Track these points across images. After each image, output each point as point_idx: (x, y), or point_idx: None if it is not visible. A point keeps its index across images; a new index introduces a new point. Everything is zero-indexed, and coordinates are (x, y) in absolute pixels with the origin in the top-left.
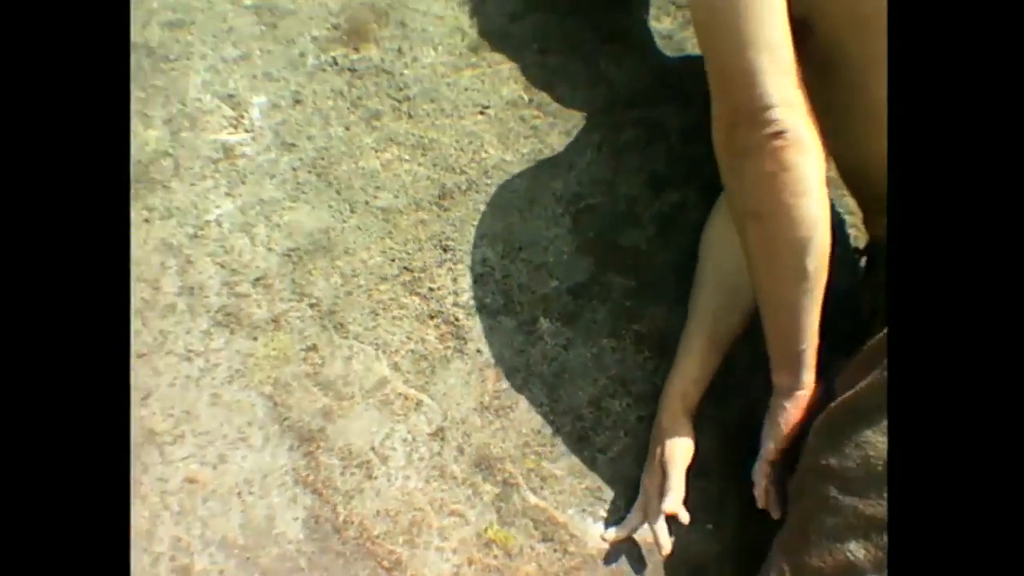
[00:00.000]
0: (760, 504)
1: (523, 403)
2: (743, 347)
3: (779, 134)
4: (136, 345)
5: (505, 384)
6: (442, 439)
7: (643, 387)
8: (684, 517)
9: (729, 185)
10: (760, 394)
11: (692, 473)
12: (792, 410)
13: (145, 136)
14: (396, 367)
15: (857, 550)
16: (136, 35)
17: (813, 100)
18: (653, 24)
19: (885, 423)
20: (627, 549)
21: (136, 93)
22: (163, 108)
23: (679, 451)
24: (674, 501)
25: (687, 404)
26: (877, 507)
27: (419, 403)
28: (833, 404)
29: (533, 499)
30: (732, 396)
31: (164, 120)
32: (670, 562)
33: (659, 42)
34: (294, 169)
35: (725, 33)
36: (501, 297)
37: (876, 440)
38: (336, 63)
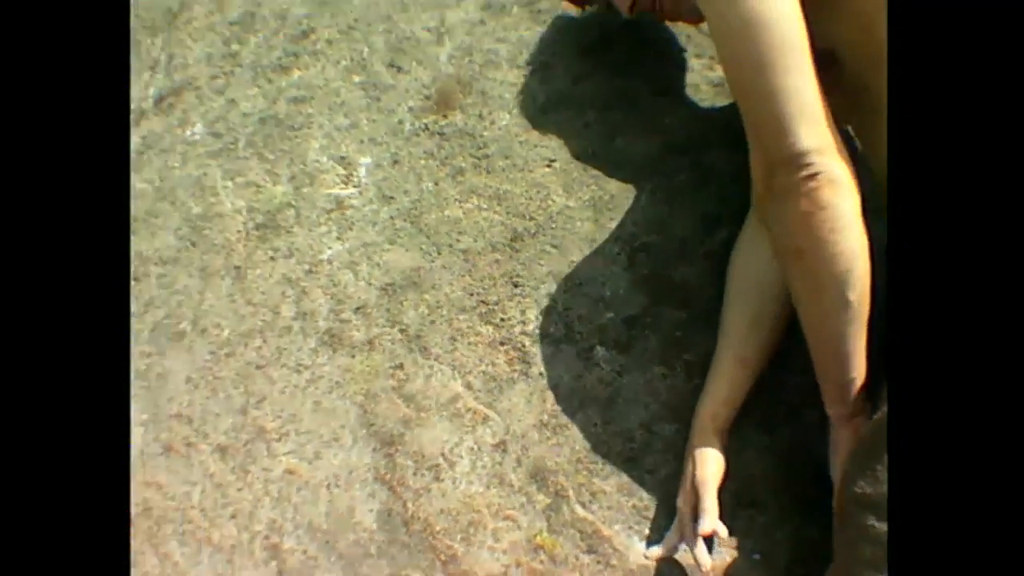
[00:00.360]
0: None
1: (578, 423)
2: (792, 374)
3: (813, 176)
4: (256, 358)
5: (563, 405)
6: (503, 450)
7: (692, 413)
8: (724, 532)
9: (771, 226)
10: (812, 422)
11: (740, 502)
12: (849, 438)
13: (273, 191)
14: (468, 385)
15: None
16: (267, 109)
17: (849, 122)
18: (707, 73)
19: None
20: (669, 569)
21: (266, 156)
22: (288, 168)
23: (710, 471)
24: (710, 522)
25: (717, 424)
26: None
27: (486, 418)
28: (863, 430)
29: (581, 512)
30: (782, 425)
31: (289, 178)
32: None
33: (711, 90)
34: (392, 218)
35: (753, 87)
36: (563, 327)
37: None
38: (428, 128)
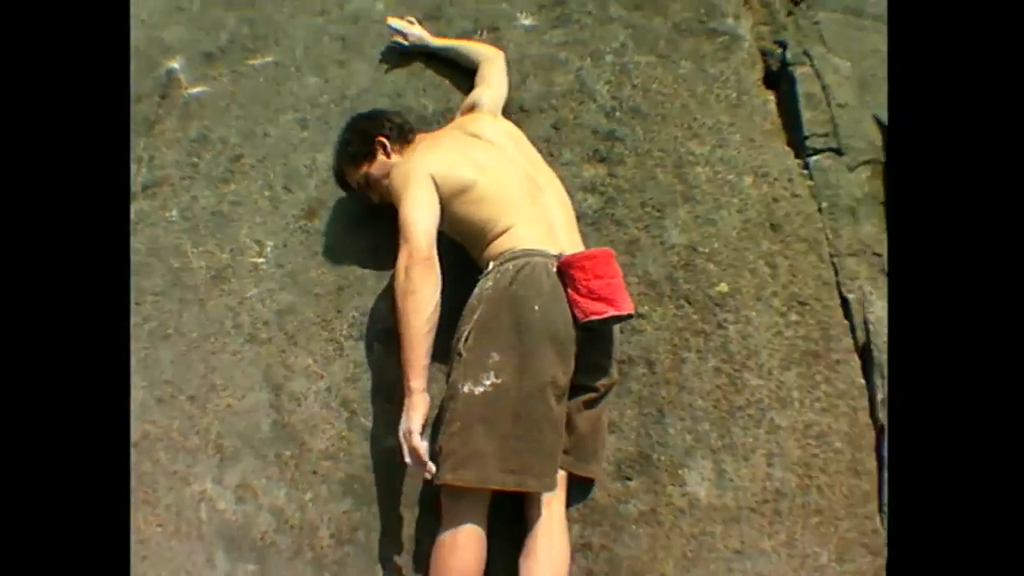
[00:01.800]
0: (423, 466)
1: (366, 379)
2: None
3: (420, 263)
4: (211, 348)
5: (359, 370)
6: (329, 391)
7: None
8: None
9: (400, 280)
10: None
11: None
12: (425, 400)
13: (220, 257)
14: (315, 360)
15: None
16: (216, 206)
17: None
18: None
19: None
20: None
21: (216, 235)
22: (229, 244)
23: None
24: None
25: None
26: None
27: (322, 376)
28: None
29: (364, 422)
30: None
31: (229, 250)
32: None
33: None
34: (282, 276)
35: (403, 223)
36: (359, 333)
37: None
38: (302, 228)
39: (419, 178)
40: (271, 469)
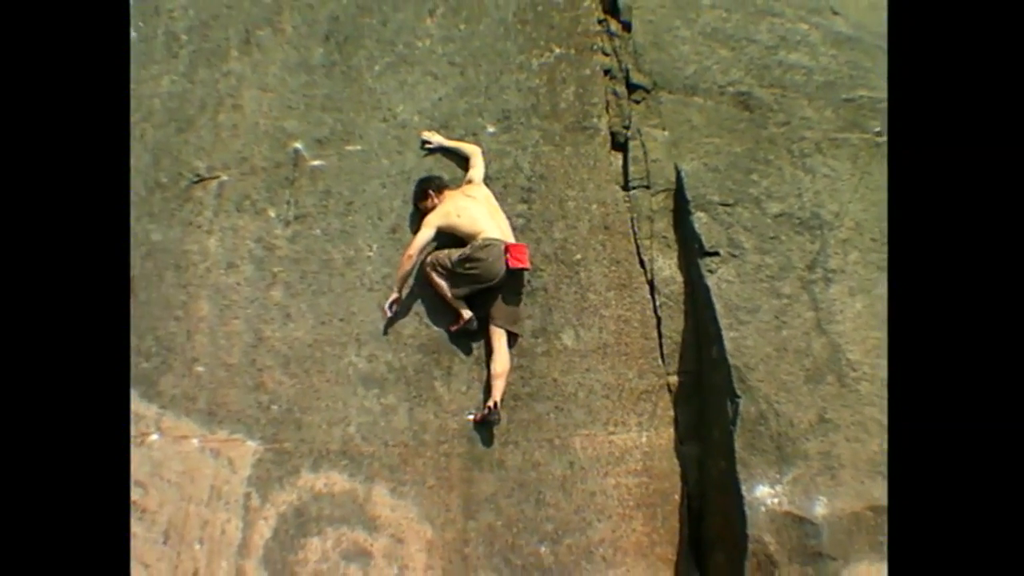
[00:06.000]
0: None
1: (409, 297)
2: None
3: (407, 258)
4: (351, 295)
5: (415, 295)
6: (398, 303)
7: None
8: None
9: (402, 258)
10: None
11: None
12: (395, 295)
13: (349, 253)
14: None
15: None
16: (342, 228)
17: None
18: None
19: None
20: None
21: (347, 245)
22: (353, 248)
23: None
24: None
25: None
26: None
27: (398, 298)
28: None
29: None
30: None
31: (354, 250)
32: None
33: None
34: (382, 262)
35: (417, 235)
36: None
37: None
38: (389, 238)
39: (429, 225)
40: (385, 345)
